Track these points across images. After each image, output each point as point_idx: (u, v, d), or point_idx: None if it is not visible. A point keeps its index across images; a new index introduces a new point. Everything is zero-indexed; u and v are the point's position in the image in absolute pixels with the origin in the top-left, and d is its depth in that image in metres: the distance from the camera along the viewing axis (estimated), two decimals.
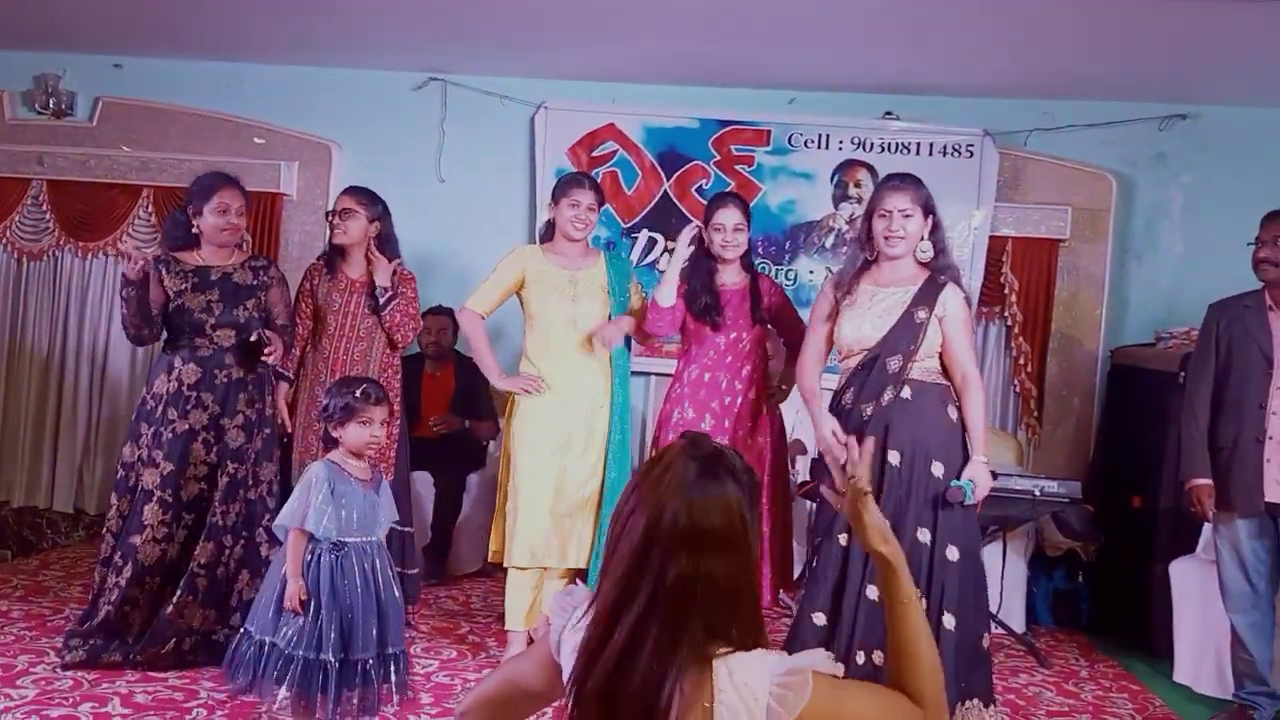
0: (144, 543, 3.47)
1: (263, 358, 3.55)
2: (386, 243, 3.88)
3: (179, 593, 3.45)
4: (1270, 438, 3.39)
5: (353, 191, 3.94)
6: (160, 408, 3.54)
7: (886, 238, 3.21)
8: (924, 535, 3.09)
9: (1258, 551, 3.47)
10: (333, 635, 2.75)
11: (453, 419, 4.99)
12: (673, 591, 1.39)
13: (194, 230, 3.62)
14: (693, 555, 1.40)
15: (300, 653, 2.75)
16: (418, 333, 4.12)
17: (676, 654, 1.37)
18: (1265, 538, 3.47)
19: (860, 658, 3.07)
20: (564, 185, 3.81)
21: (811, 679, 1.37)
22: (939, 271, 3.22)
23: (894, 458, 3.13)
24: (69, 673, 3.45)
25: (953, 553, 3.10)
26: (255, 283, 3.67)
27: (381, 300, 3.78)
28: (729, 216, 3.77)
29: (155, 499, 3.49)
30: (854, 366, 3.24)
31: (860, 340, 3.22)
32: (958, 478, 3.12)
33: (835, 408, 3.28)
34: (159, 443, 3.51)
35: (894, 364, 3.16)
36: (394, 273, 3.84)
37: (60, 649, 3.55)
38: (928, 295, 3.18)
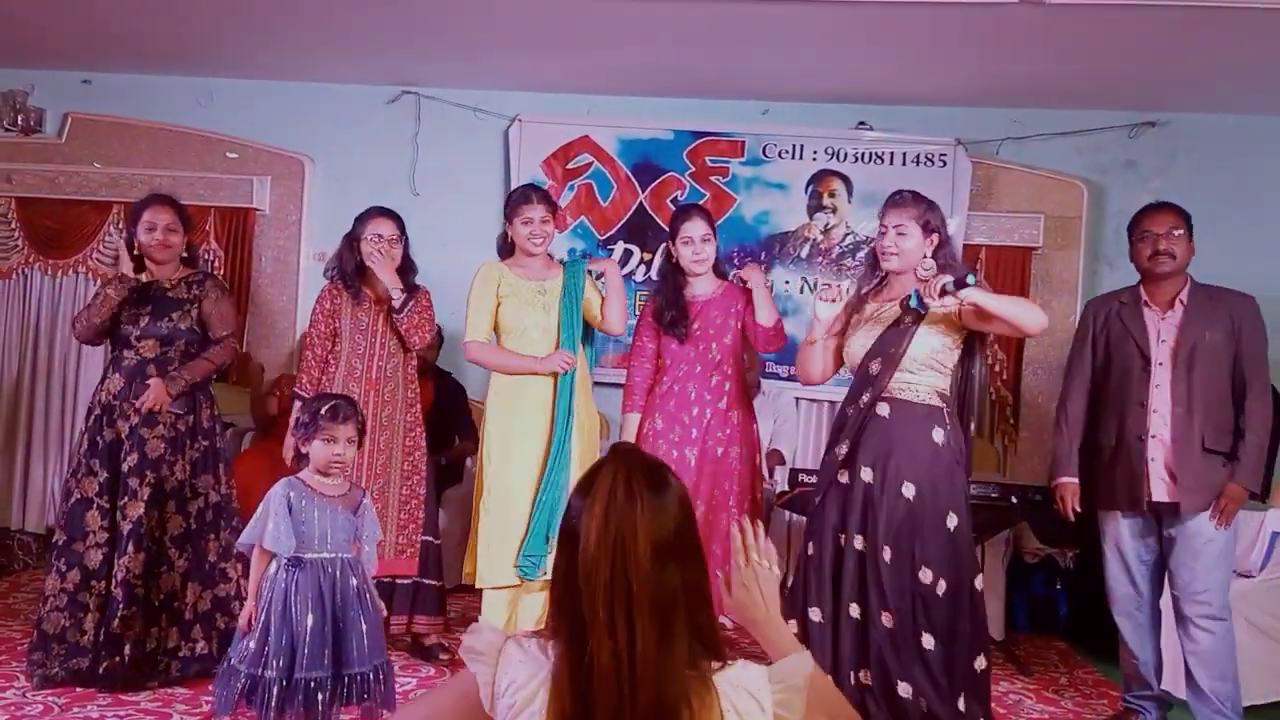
0: (87, 548, 3.55)
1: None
2: (409, 261, 3.99)
3: (119, 604, 3.46)
4: (1153, 436, 3.32)
5: (392, 215, 3.96)
6: (95, 417, 3.64)
7: (881, 253, 3.21)
8: (887, 554, 3.04)
9: (1140, 552, 3.41)
10: (280, 653, 2.71)
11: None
12: (660, 605, 1.37)
13: (137, 253, 3.71)
14: (672, 564, 1.38)
15: (245, 669, 2.73)
16: (432, 334, 4.10)
17: (680, 669, 1.35)
18: (1149, 537, 3.40)
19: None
20: (513, 204, 3.77)
21: (804, 682, 1.41)
22: None
23: (867, 475, 3.09)
24: (39, 696, 3.40)
25: (926, 574, 3.03)
26: (188, 296, 3.70)
27: (397, 304, 3.82)
28: (696, 228, 3.77)
29: (95, 506, 3.58)
30: (853, 379, 3.25)
31: (857, 353, 3.22)
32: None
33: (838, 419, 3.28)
34: (95, 451, 3.61)
35: (875, 367, 3.14)
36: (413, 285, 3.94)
37: (28, 673, 3.52)
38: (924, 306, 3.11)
